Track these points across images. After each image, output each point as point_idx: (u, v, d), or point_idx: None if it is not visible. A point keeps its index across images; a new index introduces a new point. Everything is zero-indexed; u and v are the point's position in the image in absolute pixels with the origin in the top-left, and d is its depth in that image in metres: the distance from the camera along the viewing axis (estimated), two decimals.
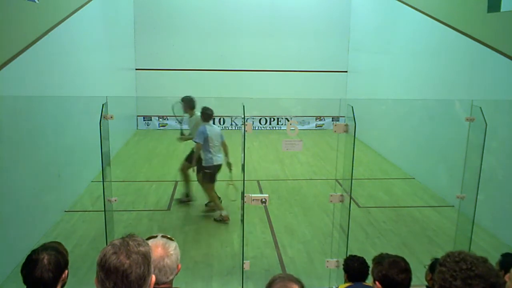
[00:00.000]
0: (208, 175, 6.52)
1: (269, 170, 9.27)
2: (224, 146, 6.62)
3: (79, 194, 7.50)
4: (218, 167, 6.57)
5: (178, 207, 7.15)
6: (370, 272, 2.72)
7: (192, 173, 6.99)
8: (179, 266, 2.19)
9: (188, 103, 6.92)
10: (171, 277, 2.14)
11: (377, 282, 2.62)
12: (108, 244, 1.71)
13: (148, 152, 10.82)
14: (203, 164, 6.52)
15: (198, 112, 6.77)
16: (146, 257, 1.68)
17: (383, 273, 2.60)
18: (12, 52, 5.30)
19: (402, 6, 9.47)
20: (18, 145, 5.44)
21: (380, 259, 2.70)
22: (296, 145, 4.84)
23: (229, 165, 6.58)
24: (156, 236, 2.22)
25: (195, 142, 6.48)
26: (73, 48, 7.56)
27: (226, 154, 6.63)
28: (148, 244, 1.76)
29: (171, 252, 2.14)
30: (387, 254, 2.78)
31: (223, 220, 6.51)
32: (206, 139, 6.39)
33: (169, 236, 2.25)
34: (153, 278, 1.74)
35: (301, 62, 13.21)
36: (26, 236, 5.40)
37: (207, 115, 6.51)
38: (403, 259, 2.71)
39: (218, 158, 6.52)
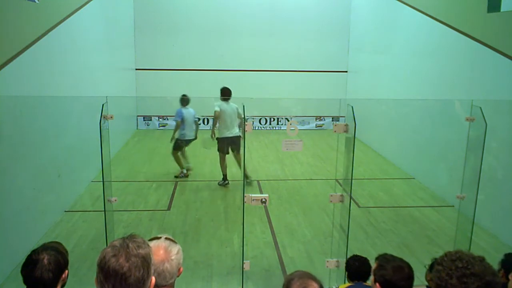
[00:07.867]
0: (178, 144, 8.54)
1: (269, 170, 9.27)
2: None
3: (79, 194, 7.50)
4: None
5: (179, 208, 7.16)
6: (371, 271, 2.66)
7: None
8: (181, 269, 2.14)
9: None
10: (170, 281, 2.09)
11: (377, 284, 2.55)
12: (108, 245, 1.70)
13: (148, 152, 10.81)
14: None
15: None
16: (145, 260, 1.67)
17: (386, 278, 2.52)
18: (12, 52, 5.29)
19: (402, 6, 9.46)
20: (18, 145, 5.44)
21: (384, 262, 2.61)
22: (296, 145, 4.84)
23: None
24: (160, 238, 2.16)
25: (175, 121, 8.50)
26: (73, 48, 7.55)
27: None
28: (148, 245, 1.74)
29: (173, 257, 2.08)
30: (391, 256, 2.69)
31: (184, 176, 8.61)
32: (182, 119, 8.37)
33: (172, 239, 2.18)
34: (153, 280, 1.73)
35: (301, 62, 13.21)
36: (26, 236, 5.39)
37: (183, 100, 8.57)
38: (408, 265, 2.61)
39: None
